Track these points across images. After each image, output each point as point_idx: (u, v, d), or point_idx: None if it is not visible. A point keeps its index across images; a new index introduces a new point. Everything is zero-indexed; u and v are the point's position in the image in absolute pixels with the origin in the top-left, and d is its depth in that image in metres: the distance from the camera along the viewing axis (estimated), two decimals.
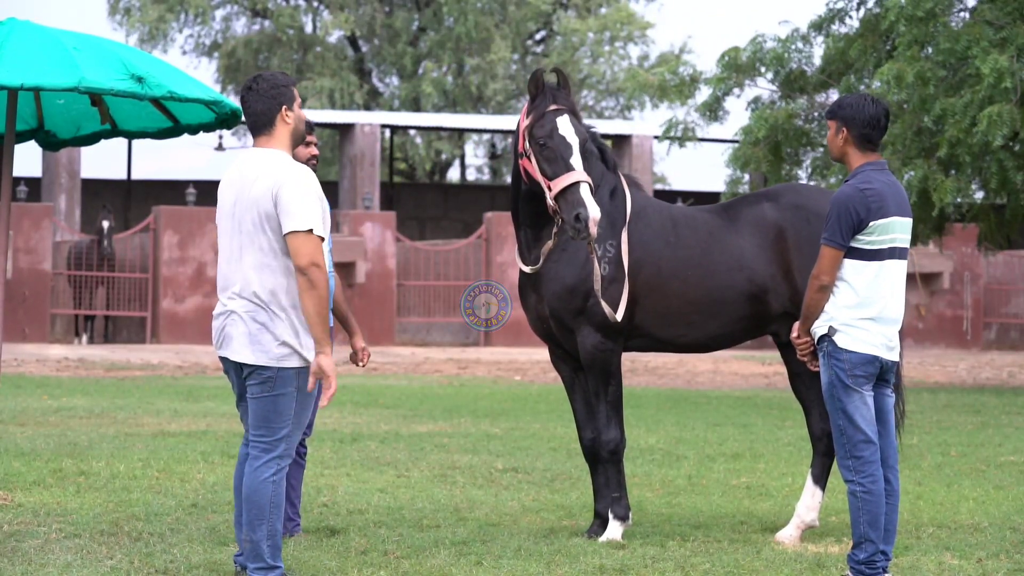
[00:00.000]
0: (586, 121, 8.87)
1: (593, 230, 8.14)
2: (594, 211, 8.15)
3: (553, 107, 8.46)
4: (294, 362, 6.97)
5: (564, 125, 8.42)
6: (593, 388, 8.76)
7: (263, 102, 7.01)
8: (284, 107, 7.02)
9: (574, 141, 8.39)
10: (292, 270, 6.93)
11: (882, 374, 7.22)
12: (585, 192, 8.24)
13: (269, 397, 6.97)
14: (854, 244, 7.11)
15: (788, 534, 8.71)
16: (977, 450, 13.66)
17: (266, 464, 6.96)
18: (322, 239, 6.93)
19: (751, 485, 11.09)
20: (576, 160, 8.33)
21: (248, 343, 6.94)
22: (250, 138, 7.22)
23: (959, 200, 20.88)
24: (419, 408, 17.50)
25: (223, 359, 7.11)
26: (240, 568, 7.18)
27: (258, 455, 6.98)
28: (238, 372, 7.08)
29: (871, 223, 7.08)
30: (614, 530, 8.63)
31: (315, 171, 8.61)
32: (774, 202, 8.92)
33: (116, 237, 30.43)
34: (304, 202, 6.86)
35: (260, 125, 7.04)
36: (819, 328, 7.19)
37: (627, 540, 8.52)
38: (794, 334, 7.34)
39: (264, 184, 6.90)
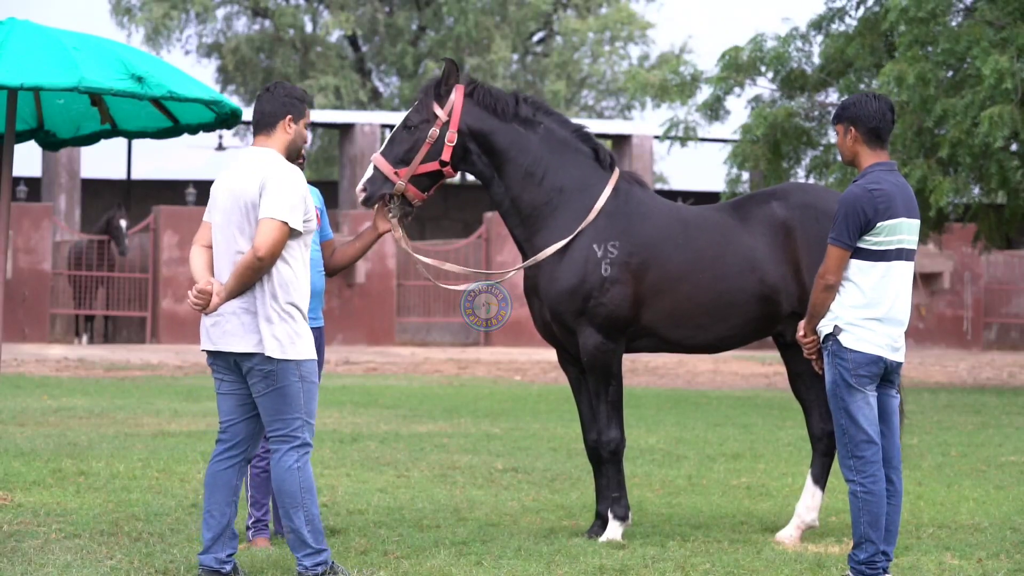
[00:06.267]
0: (583, 121, 8.92)
1: (359, 197, 8.64)
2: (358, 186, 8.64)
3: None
4: (292, 353, 7.10)
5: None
6: (594, 388, 8.77)
7: (273, 104, 7.26)
8: (289, 116, 7.27)
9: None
10: (282, 260, 7.10)
11: (887, 375, 7.21)
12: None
13: (275, 391, 7.11)
14: (861, 244, 7.10)
15: (788, 534, 8.71)
16: (977, 450, 13.66)
17: (287, 454, 7.14)
18: (299, 234, 7.13)
19: (751, 485, 11.09)
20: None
21: (243, 334, 7.09)
22: (250, 139, 7.35)
23: (956, 200, 20.89)
24: (419, 408, 17.49)
25: (214, 353, 7.21)
26: (207, 570, 7.21)
27: (277, 447, 7.16)
28: (232, 366, 7.17)
29: (879, 224, 7.07)
30: (614, 530, 8.63)
31: (303, 169, 8.69)
32: (783, 201, 8.90)
33: None
34: (286, 195, 7.07)
35: (263, 124, 7.27)
36: (824, 327, 7.19)
37: (627, 540, 8.52)
38: (800, 332, 7.34)
39: (254, 177, 7.12)
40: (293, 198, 7.08)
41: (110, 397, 17.99)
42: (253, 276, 7.04)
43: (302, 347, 7.13)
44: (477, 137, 8.78)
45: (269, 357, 7.07)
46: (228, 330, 7.12)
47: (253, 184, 7.10)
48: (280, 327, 7.08)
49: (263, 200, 7.06)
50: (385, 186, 8.59)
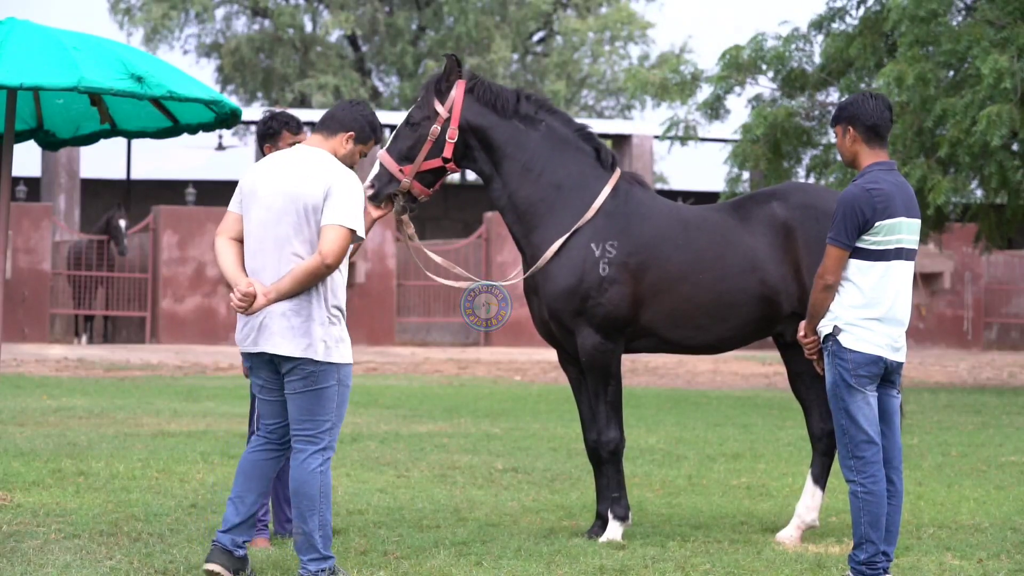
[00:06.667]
0: (584, 121, 8.93)
1: (367, 193, 8.58)
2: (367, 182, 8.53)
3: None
4: (335, 356, 7.11)
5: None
6: (593, 388, 8.76)
7: (347, 114, 7.31)
8: (352, 133, 7.28)
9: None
10: None
11: (887, 375, 7.20)
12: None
13: (312, 391, 7.11)
14: (860, 244, 7.10)
15: (788, 534, 8.70)
16: (978, 450, 13.65)
17: (312, 456, 7.15)
18: (360, 240, 7.16)
19: (751, 485, 11.08)
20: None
21: (292, 337, 7.07)
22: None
23: (955, 200, 20.89)
24: (419, 408, 17.49)
25: (253, 355, 7.17)
26: (220, 547, 7.20)
27: (303, 448, 7.16)
28: (272, 367, 7.15)
29: (877, 223, 7.06)
30: (614, 530, 8.62)
31: None
32: (783, 201, 8.89)
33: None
34: (353, 203, 7.08)
35: (326, 126, 7.30)
36: (824, 327, 7.18)
37: (627, 540, 8.51)
38: (800, 333, 7.33)
39: (317, 180, 7.08)
40: (357, 205, 7.09)
41: (110, 397, 17.99)
42: (314, 281, 7.03)
43: (344, 350, 7.16)
44: (476, 132, 8.79)
45: (315, 360, 7.08)
46: (275, 332, 7.07)
47: (317, 187, 7.06)
48: (328, 330, 7.09)
49: (329, 206, 7.03)
50: (391, 183, 8.63)
